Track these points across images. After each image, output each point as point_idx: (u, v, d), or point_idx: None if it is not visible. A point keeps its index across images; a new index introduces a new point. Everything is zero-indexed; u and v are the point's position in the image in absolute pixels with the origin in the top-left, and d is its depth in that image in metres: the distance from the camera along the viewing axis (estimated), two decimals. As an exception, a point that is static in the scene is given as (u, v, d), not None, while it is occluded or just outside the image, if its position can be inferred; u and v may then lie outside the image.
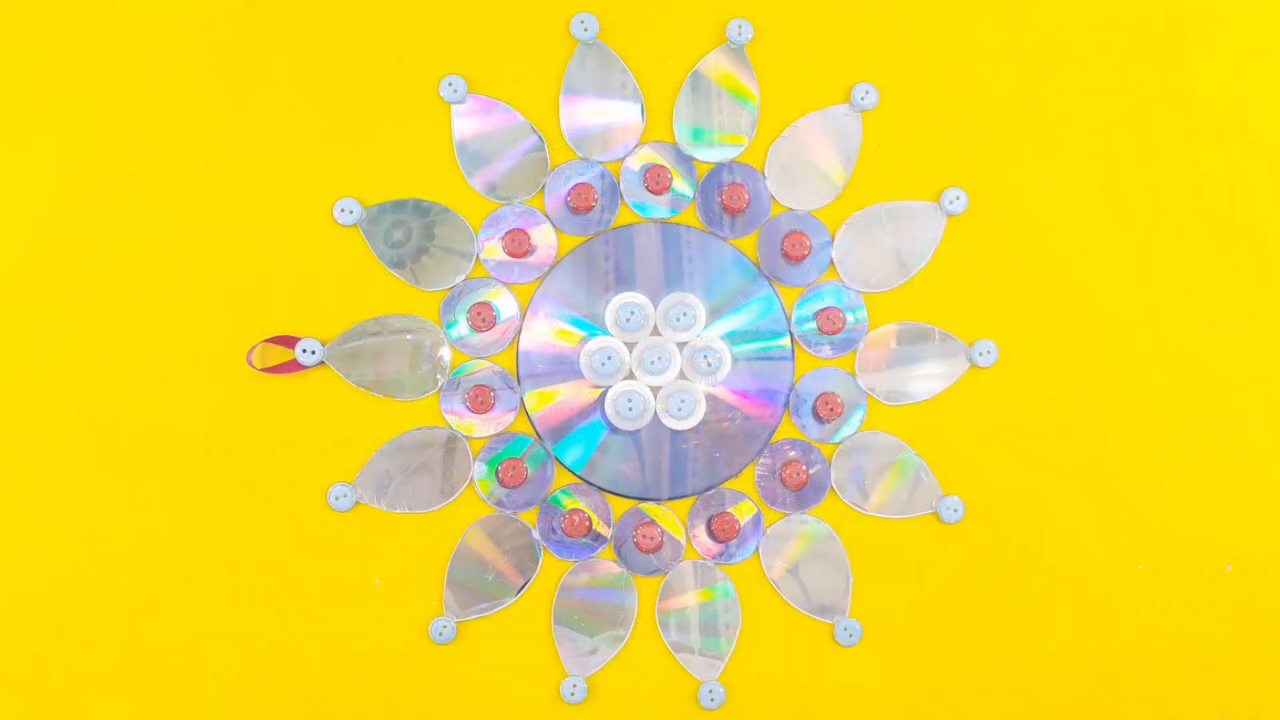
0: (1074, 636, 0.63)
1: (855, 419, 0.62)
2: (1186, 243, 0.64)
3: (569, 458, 0.62)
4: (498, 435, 0.62)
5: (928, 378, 0.63)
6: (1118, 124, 0.64)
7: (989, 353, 0.62)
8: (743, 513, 0.62)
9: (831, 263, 0.63)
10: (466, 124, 0.62)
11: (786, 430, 0.63)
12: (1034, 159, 0.63)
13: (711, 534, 0.62)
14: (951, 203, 0.63)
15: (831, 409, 0.62)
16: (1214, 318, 0.63)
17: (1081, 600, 0.63)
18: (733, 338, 0.62)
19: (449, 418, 0.61)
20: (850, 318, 0.63)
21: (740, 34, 0.62)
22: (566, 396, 0.62)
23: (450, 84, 0.61)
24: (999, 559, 0.63)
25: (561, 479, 0.62)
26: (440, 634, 0.61)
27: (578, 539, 0.62)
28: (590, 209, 0.62)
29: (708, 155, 0.62)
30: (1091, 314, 0.63)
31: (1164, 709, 0.63)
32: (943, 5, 0.64)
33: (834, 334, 0.62)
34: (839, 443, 0.63)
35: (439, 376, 0.61)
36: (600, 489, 0.62)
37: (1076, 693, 0.63)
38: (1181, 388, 0.63)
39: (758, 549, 0.62)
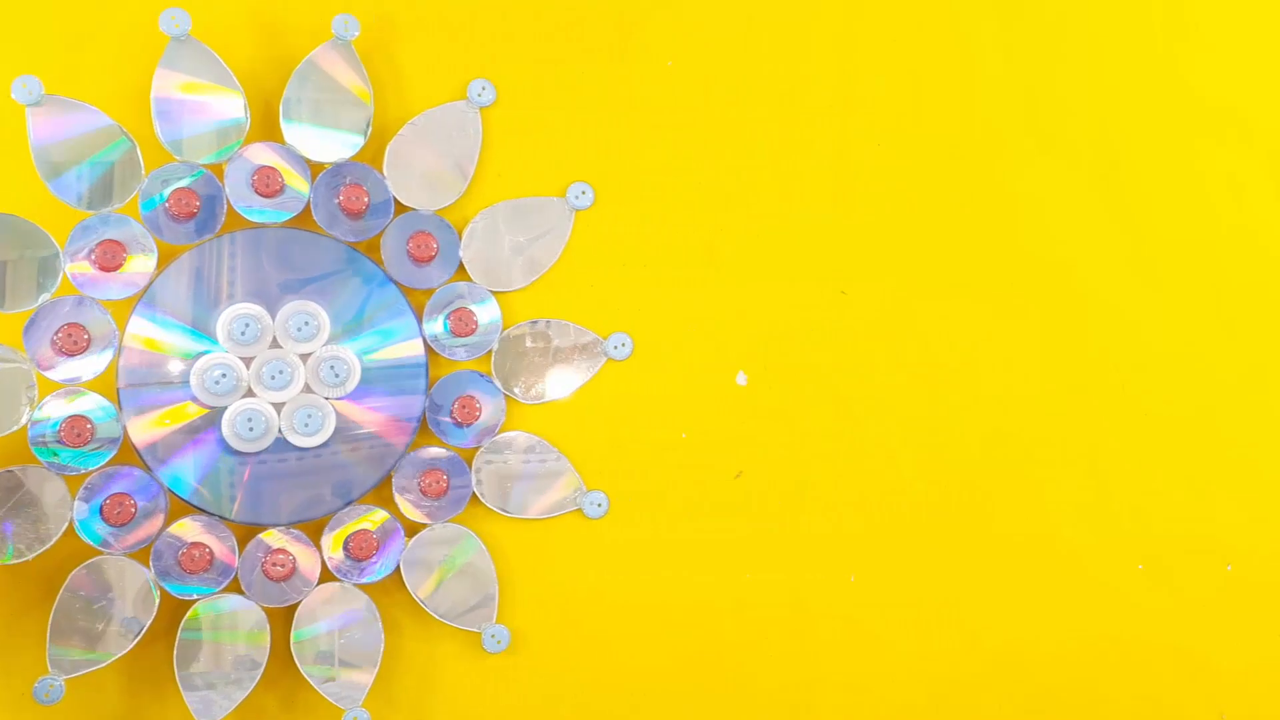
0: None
1: (495, 421, 0.61)
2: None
3: (183, 488, 0.57)
4: (99, 470, 0.56)
5: (565, 374, 0.62)
6: (747, 107, 0.65)
7: (624, 345, 0.62)
8: (380, 528, 0.59)
9: (460, 263, 0.61)
10: (45, 128, 0.56)
11: (425, 438, 0.60)
12: (657, 151, 0.64)
13: (348, 553, 0.58)
14: (578, 198, 0.62)
15: (470, 412, 0.60)
16: (901, 301, 0.65)
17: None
18: (361, 346, 0.59)
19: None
20: (483, 318, 0.61)
21: (347, 30, 0.59)
22: (174, 421, 0.57)
23: (24, 84, 0.55)
24: (645, 552, 0.63)
25: (177, 511, 0.57)
26: (47, 695, 0.54)
27: (199, 574, 0.57)
28: (193, 215, 0.57)
29: (322, 155, 0.59)
30: (724, 302, 0.64)
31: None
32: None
33: (467, 335, 0.61)
34: (480, 447, 0.61)
35: (25, 409, 0.55)
36: (221, 518, 0.57)
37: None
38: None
39: (399, 564, 0.59)
